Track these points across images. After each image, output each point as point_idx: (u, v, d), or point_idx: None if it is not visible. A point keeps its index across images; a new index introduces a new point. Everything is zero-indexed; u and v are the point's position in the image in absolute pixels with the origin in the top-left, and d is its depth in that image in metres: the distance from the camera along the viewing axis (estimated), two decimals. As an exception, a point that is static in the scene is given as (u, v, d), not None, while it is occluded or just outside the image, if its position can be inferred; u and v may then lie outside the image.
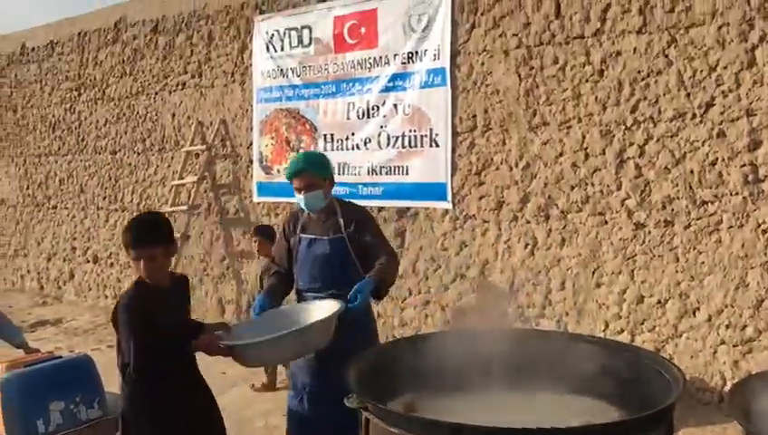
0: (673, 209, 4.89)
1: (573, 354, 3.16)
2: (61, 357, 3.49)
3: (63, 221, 10.02)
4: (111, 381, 3.55)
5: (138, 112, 8.74)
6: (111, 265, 9.33)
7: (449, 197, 5.95)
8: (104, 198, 9.34)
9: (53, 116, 9.96)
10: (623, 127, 5.07)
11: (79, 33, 9.39)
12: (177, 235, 7.60)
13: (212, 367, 5.94)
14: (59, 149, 9.96)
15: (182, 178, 8.01)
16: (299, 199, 3.59)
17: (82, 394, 3.32)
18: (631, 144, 5.05)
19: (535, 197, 5.49)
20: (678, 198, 4.87)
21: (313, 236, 3.60)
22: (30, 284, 10.63)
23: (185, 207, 7.84)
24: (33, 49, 10.17)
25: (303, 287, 3.65)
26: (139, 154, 8.82)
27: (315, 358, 3.52)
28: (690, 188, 4.82)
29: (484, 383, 3.18)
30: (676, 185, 4.87)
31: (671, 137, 4.88)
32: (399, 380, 3.10)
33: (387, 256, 3.58)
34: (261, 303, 3.51)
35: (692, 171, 4.81)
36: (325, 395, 3.50)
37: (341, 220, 3.57)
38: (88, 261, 9.65)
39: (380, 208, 6.45)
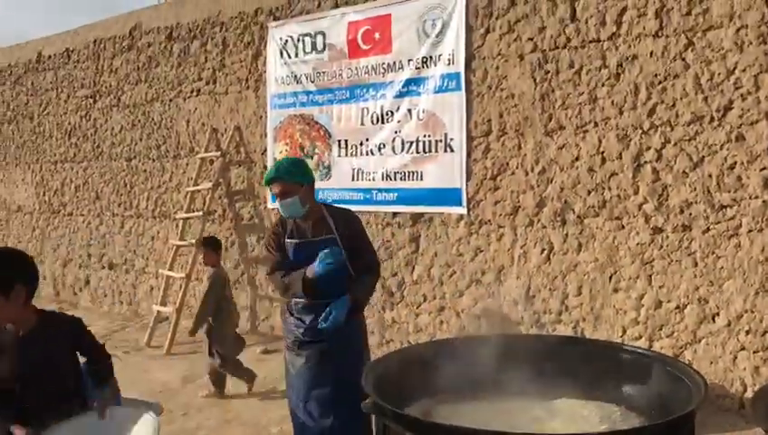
0: (691, 214, 4.84)
1: (592, 360, 3.14)
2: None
3: (79, 228, 10.08)
4: (125, 388, 3.55)
5: (153, 119, 8.79)
6: (127, 271, 9.37)
7: (464, 202, 5.93)
8: (119, 204, 9.39)
9: (69, 123, 10.04)
10: (640, 131, 5.03)
11: (94, 41, 9.46)
12: (191, 241, 7.66)
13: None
14: (75, 155, 10.03)
15: (197, 185, 8.03)
16: (278, 206, 3.62)
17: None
18: (648, 148, 5.00)
19: (551, 201, 5.46)
20: (696, 202, 4.82)
21: (300, 241, 3.59)
22: (46, 290, 10.69)
23: (200, 214, 7.87)
24: (50, 57, 10.26)
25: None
26: (154, 161, 8.86)
27: (308, 371, 3.54)
28: (708, 192, 4.77)
29: (503, 389, 3.15)
30: (695, 189, 4.83)
31: (689, 140, 4.84)
32: (416, 385, 3.08)
33: (369, 272, 3.64)
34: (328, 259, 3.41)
35: (710, 175, 4.76)
36: (324, 401, 3.51)
37: (331, 221, 3.59)
38: (103, 267, 9.70)
39: (395, 214, 6.44)
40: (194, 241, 7.75)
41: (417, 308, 6.39)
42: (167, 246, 8.58)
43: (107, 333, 8.53)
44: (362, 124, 6.60)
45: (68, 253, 10.28)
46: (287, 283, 3.57)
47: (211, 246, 5.93)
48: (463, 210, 5.95)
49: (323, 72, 6.87)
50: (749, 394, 4.68)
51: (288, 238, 3.61)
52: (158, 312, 7.92)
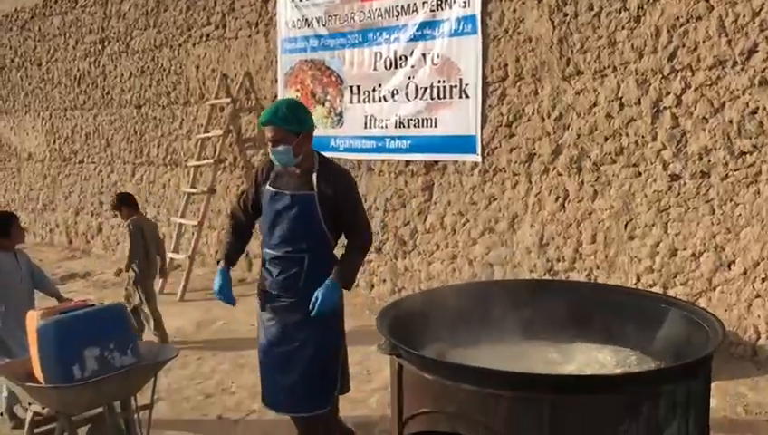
0: (710, 160, 4.76)
1: (608, 305, 3.12)
2: (94, 305, 3.50)
3: (90, 175, 10.09)
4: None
5: (162, 65, 8.68)
6: (139, 218, 9.39)
7: (479, 149, 5.86)
8: (130, 152, 9.36)
9: (78, 70, 9.94)
10: (660, 76, 4.91)
11: (102, -15, 9.30)
12: (203, 189, 7.65)
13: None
14: (84, 103, 9.97)
15: (207, 132, 7.98)
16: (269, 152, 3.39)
17: (116, 342, 3.33)
18: (668, 93, 4.89)
19: (567, 148, 5.38)
20: (716, 148, 4.73)
21: (277, 190, 3.36)
22: (59, 238, 10.77)
23: (210, 162, 7.83)
24: (56, 1, 10.10)
25: (264, 241, 3.48)
26: (163, 108, 8.79)
27: (273, 326, 3.42)
28: (728, 138, 4.68)
29: (517, 334, 3.15)
30: (714, 135, 4.73)
31: (710, 85, 4.72)
32: (429, 330, 3.07)
33: (361, 252, 3.43)
34: (220, 283, 3.48)
35: (731, 121, 4.66)
36: (288, 359, 3.39)
37: (315, 179, 3.31)
38: (115, 215, 9.70)
39: (408, 162, 6.38)
40: (205, 189, 7.74)
41: (430, 256, 6.38)
42: (178, 193, 8.57)
43: (120, 280, 8.60)
44: (375, 69, 6.49)
45: (80, 201, 10.30)
46: (225, 246, 3.59)
47: (124, 203, 5.96)
48: (477, 158, 5.89)
49: (335, 16, 6.73)
50: (762, 342, 4.68)
51: (269, 185, 3.42)
52: (171, 259, 7.95)
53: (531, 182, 5.62)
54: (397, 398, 2.64)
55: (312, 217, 3.31)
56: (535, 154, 5.57)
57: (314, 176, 3.32)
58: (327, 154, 6.85)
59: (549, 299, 3.23)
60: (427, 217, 6.35)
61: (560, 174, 5.45)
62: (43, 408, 3.42)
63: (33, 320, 3.34)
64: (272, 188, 3.40)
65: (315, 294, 3.26)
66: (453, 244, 6.19)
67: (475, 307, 3.26)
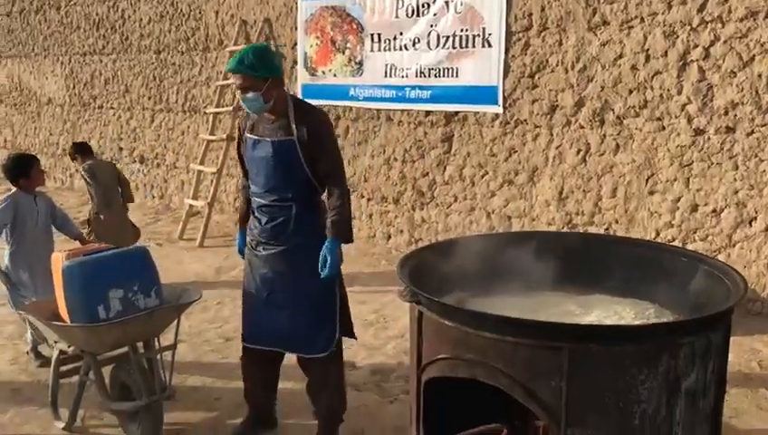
0: (736, 115, 4.68)
1: (628, 258, 3.11)
2: (118, 248, 3.55)
3: (110, 121, 10.11)
4: (164, 276, 3.62)
5: (181, 10, 8.60)
6: (158, 165, 9.44)
7: (500, 100, 5.79)
8: (149, 98, 9.35)
9: (97, 14, 9.87)
10: (688, 27, 4.80)
11: (120, -73, 9.16)
12: (222, 136, 7.66)
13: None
14: (103, 48, 9.92)
15: (226, 79, 7.93)
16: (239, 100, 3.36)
17: (140, 283, 3.39)
18: (696, 46, 4.79)
19: (590, 101, 5.31)
20: (743, 103, 4.65)
21: (258, 137, 3.33)
22: (79, 183, 10.84)
23: (229, 109, 7.80)
24: (75, -56, 9.98)
25: (252, 191, 3.43)
26: (182, 54, 8.74)
27: (265, 274, 3.37)
28: (756, 92, 4.59)
29: (535, 285, 3.16)
30: (742, 90, 4.64)
31: (740, 38, 4.61)
32: (448, 279, 3.09)
33: (339, 198, 3.27)
34: (238, 244, 3.57)
35: (760, 75, 4.57)
36: (280, 307, 3.34)
37: (293, 124, 3.24)
38: (134, 161, 9.78)
39: (428, 112, 6.33)
40: (224, 136, 7.74)
41: (448, 208, 6.38)
42: (197, 140, 8.59)
43: (140, 225, 8.68)
44: (396, 17, 6.38)
45: (99, 147, 10.34)
46: (239, 209, 3.66)
47: (79, 152, 5.98)
48: (498, 109, 5.82)
49: (357, -39, 6.61)
50: (780, 299, 4.68)
51: (248, 133, 3.39)
52: (190, 206, 8.02)
53: (552, 135, 5.57)
54: (416, 344, 2.67)
55: (293, 162, 3.25)
56: (558, 106, 5.50)
57: (291, 120, 3.26)
58: (346, 103, 6.93)
59: (568, 251, 3.23)
60: (445, 168, 6.32)
61: (582, 127, 5.39)
62: (69, 347, 3.51)
63: (58, 261, 3.40)
64: (252, 136, 3.36)
65: (322, 256, 3.20)
66: (471, 196, 6.18)
67: (494, 258, 3.27)
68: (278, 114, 3.29)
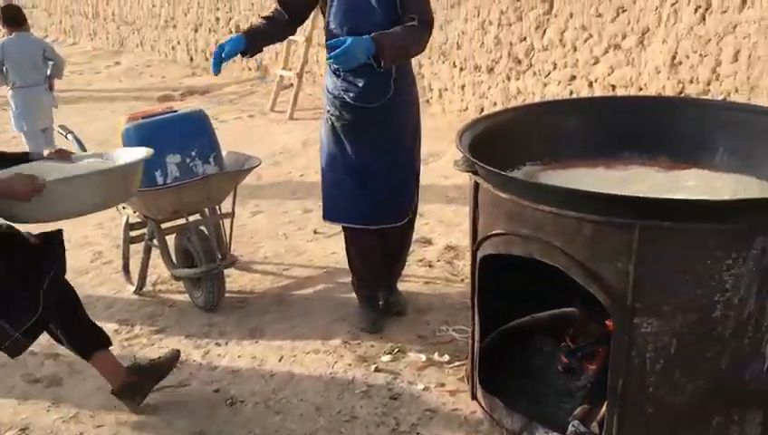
0: None
1: (739, 127, 2.64)
2: (177, 111, 3.42)
3: (207, -12, 9.97)
4: (244, 146, 3.42)
5: None
6: (252, 35, 9.28)
7: (608, -49, 5.09)
8: (242, -36, 9.07)
9: None
10: None
11: None
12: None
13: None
14: None
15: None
16: None
17: (198, 149, 3.27)
18: None
19: (715, -53, 4.55)
20: None
21: None
22: (180, 55, 10.93)
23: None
24: None
25: (334, 31, 2.94)
26: None
27: (357, 137, 3.06)
28: None
29: (625, 158, 2.79)
30: None
31: None
32: (522, 148, 2.77)
33: (415, 24, 2.83)
34: (233, 45, 2.86)
35: None
36: (375, 173, 3.06)
37: None
38: (231, 31, 9.65)
39: (527, -32, 5.70)
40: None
41: (546, 77, 5.85)
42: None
43: (237, 97, 8.70)
44: None
45: (198, 17, 10.29)
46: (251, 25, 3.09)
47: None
48: (606, -38, 5.13)
49: None
50: None
51: None
52: (281, 76, 7.86)
53: (668, -10, 4.87)
54: (472, 218, 2.42)
55: (392, 4, 2.85)
56: (676, -44, 4.76)
57: None
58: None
59: (668, 119, 2.80)
60: (545, 32, 5.74)
61: (704, -21, 4.66)
62: (134, 212, 3.51)
63: (118, 124, 3.33)
64: None
65: (343, 39, 2.72)
66: (572, 63, 5.62)
67: (577, 126, 2.90)
68: None
